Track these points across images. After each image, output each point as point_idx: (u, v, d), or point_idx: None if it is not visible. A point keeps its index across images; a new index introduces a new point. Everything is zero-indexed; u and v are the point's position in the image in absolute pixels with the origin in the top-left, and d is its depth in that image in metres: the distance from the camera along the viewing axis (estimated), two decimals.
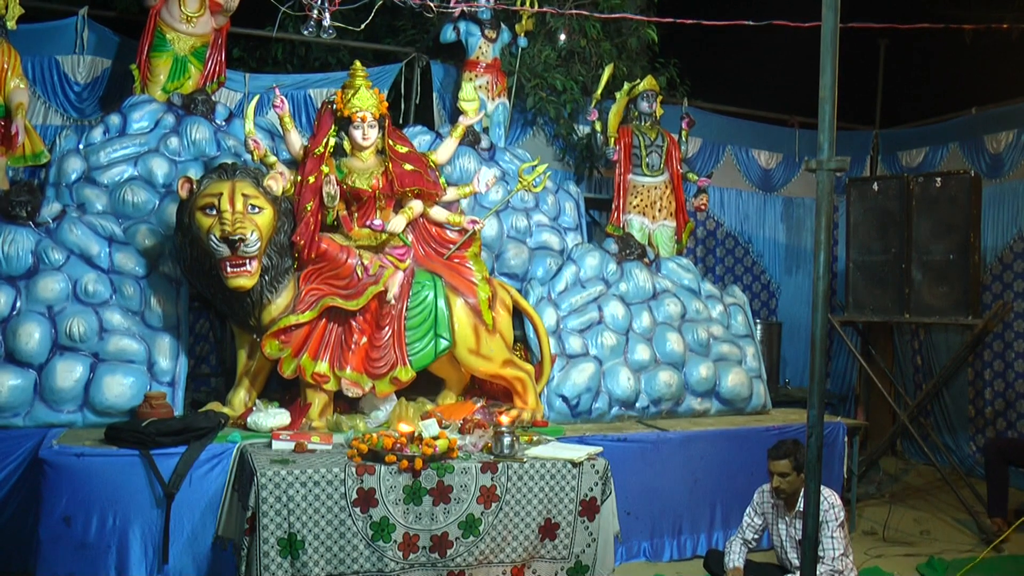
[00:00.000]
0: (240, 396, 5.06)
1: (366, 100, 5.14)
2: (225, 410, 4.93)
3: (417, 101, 7.35)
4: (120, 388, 4.76)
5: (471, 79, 6.73)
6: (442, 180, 5.48)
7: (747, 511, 4.58)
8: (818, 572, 3.57)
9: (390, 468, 4.13)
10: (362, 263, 5.01)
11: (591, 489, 4.42)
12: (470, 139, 6.26)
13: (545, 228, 6.32)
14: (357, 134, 5.16)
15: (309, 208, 4.91)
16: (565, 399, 5.57)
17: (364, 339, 5.02)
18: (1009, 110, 8.00)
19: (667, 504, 5.35)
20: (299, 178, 5.04)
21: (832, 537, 4.18)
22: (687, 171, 7.12)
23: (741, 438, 5.60)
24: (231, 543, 4.32)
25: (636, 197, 6.93)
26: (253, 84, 6.76)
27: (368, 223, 5.12)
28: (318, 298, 4.91)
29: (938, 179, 7.00)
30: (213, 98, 5.97)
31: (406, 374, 5.07)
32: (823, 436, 3.09)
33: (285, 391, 5.23)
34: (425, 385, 5.40)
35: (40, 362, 4.72)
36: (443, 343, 5.17)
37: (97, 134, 5.60)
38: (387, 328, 5.06)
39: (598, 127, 6.96)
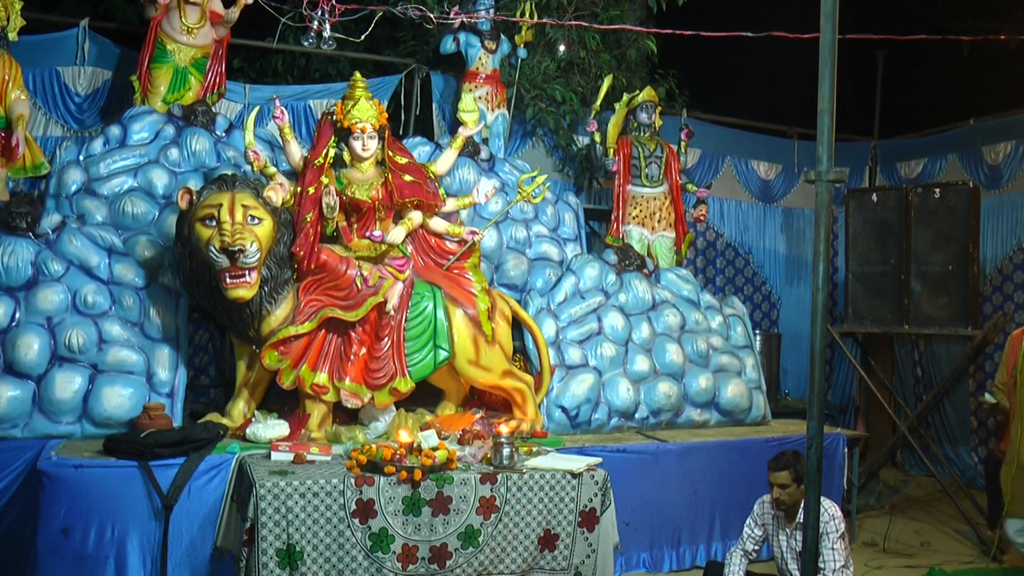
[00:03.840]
0: (239, 407, 5.05)
1: (366, 111, 5.15)
2: (224, 421, 4.92)
3: (417, 112, 7.37)
4: (119, 399, 4.75)
5: (471, 90, 6.74)
6: (441, 191, 5.48)
7: (747, 522, 4.57)
8: None
9: (389, 479, 4.12)
10: (361, 274, 5.01)
11: (590, 500, 4.41)
12: (469, 150, 6.27)
13: (544, 239, 6.32)
14: (357, 145, 5.17)
15: (309, 219, 4.92)
16: (564, 410, 5.56)
17: (363, 350, 5.02)
18: (1007, 121, 8.02)
19: (667, 515, 5.34)
20: (299, 189, 5.04)
21: (832, 548, 4.16)
22: (686, 182, 7.12)
23: (741, 449, 5.59)
24: (230, 554, 4.31)
25: (635, 208, 6.93)
26: (253, 95, 6.78)
27: (368, 234, 5.13)
28: (317, 309, 4.91)
29: (937, 190, 7.02)
30: (213, 109, 5.98)
31: (405, 385, 5.06)
32: (823, 447, 3.08)
33: (284, 402, 5.22)
34: (424, 396, 5.39)
35: (39, 373, 4.71)
36: (442, 354, 5.17)
37: (97, 145, 5.60)
38: (386, 339, 5.05)
39: (597, 138, 6.97)
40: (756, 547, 4.54)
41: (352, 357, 4.97)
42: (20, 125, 5.37)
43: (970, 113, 8.44)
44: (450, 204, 5.51)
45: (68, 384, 4.70)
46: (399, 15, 5.95)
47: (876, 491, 7.38)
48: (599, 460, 4.66)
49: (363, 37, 5.90)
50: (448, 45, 6.85)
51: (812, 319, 3.02)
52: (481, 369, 5.28)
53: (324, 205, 4.99)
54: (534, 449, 4.84)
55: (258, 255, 4.59)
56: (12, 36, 5.46)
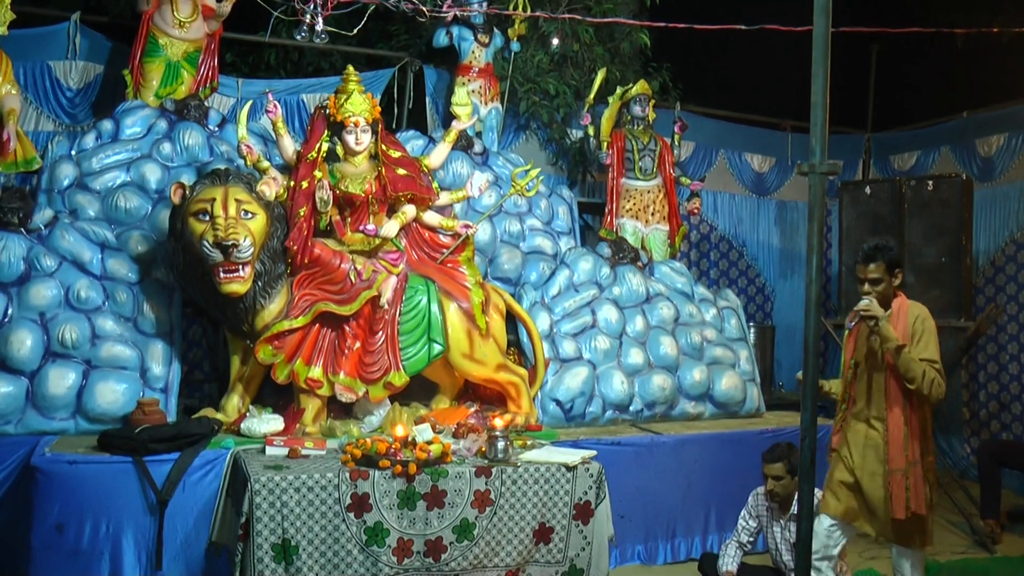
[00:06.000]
0: (233, 402, 5.05)
1: (359, 105, 5.13)
2: (218, 416, 4.92)
3: (410, 106, 7.35)
4: (113, 395, 4.74)
5: (464, 84, 6.73)
6: (435, 185, 5.47)
7: (742, 514, 4.59)
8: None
9: (384, 473, 4.12)
10: (355, 268, 5.00)
11: (585, 493, 4.41)
12: (463, 143, 6.26)
13: (538, 232, 6.32)
14: (350, 139, 5.15)
15: (302, 213, 4.90)
16: (559, 403, 5.57)
17: (358, 344, 5.01)
18: (1000, 114, 8.02)
19: (661, 507, 5.35)
20: (292, 183, 5.02)
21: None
22: (680, 175, 7.13)
23: (735, 441, 5.60)
24: (225, 549, 4.31)
25: (629, 201, 6.94)
26: (246, 89, 6.75)
27: (361, 228, 5.12)
28: (311, 303, 4.91)
29: (930, 182, 7.03)
30: (206, 103, 5.96)
31: (400, 379, 5.06)
32: (816, 439, 3.09)
33: (279, 397, 5.21)
34: (419, 390, 5.39)
35: (32, 369, 4.70)
36: (436, 348, 5.17)
37: (89, 140, 5.58)
38: (380, 333, 5.05)
39: (591, 131, 6.97)
40: (751, 539, 4.56)
41: (346, 351, 4.97)
42: (11, 120, 5.34)
43: (963, 106, 8.44)
44: (443, 198, 5.50)
45: (61, 380, 4.69)
46: (392, 8, 5.94)
47: None
48: (593, 453, 4.66)
49: (356, 31, 5.89)
50: (441, 39, 6.83)
51: (806, 311, 3.02)
52: (475, 363, 5.28)
53: (317, 199, 4.97)
54: (528, 442, 4.85)
55: (251, 249, 4.58)
56: (2, 30, 5.41)
